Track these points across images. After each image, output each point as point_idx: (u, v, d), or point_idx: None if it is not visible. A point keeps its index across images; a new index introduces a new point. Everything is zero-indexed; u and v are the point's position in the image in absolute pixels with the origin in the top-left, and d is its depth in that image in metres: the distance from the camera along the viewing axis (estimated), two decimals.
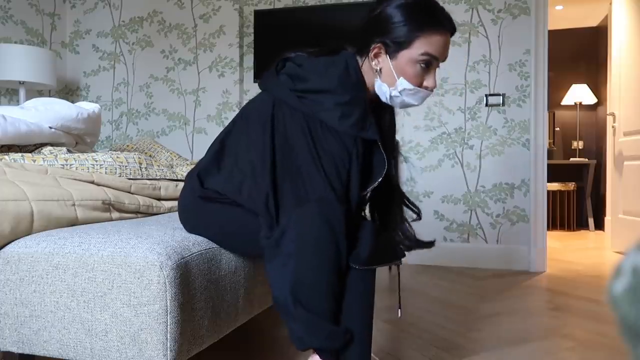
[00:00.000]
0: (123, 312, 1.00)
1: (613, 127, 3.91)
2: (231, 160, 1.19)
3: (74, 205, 1.28)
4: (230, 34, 3.47)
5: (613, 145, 3.99)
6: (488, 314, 2.08)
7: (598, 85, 5.43)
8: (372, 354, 1.13)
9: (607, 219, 4.58)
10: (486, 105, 3.10)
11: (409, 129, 3.22)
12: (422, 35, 1.10)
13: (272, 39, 3.37)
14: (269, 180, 1.08)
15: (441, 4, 1.16)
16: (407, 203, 1.35)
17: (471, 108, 3.13)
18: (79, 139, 1.97)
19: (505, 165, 3.08)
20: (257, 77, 3.42)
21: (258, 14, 3.40)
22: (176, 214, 1.52)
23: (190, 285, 1.04)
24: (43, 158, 1.51)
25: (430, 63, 1.13)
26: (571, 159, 5.35)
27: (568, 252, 3.84)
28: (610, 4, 4.15)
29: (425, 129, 3.20)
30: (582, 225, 5.45)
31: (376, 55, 1.15)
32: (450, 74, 3.15)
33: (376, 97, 1.21)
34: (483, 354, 1.62)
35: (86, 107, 1.95)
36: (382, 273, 2.87)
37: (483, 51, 3.11)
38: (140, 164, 1.68)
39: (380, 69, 1.15)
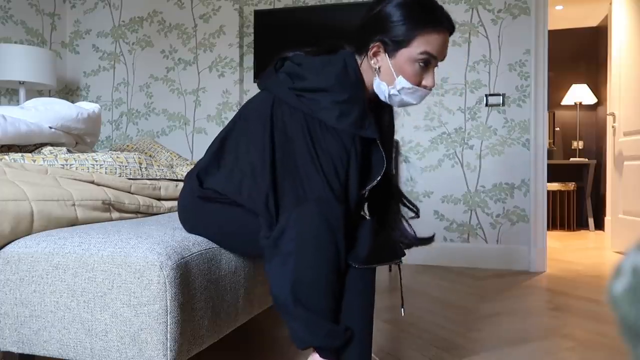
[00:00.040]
0: (123, 312, 1.00)
1: (613, 127, 3.91)
2: (231, 160, 1.19)
3: (74, 205, 1.28)
4: (230, 34, 3.47)
5: (613, 145, 3.99)
6: (488, 314, 2.08)
7: (598, 85, 5.43)
8: (372, 354, 1.13)
9: (607, 219, 4.58)
10: (486, 105, 3.10)
11: (409, 129, 3.22)
12: (420, 34, 1.10)
13: (272, 39, 3.37)
14: (268, 180, 1.08)
15: (440, 3, 1.16)
16: (405, 202, 1.35)
17: (471, 108, 3.13)
18: (79, 139, 1.97)
19: (505, 165, 3.08)
20: (257, 77, 3.42)
21: (258, 14, 3.40)
22: (176, 214, 1.52)
23: (190, 285, 1.04)
24: (43, 158, 1.51)
25: (428, 62, 1.13)
26: (571, 159, 5.35)
27: (568, 252, 3.84)
28: (610, 4, 4.15)
29: (425, 129, 3.20)
30: (582, 225, 5.45)
31: (375, 54, 1.15)
32: (450, 74, 3.15)
33: (375, 96, 1.21)
34: (483, 354, 1.62)
35: (86, 107, 1.95)
36: (382, 273, 2.87)
37: (483, 51, 3.11)
38: (140, 164, 1.68)
39: (379, 68, 1.15)
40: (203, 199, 1.19)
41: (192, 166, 1.89)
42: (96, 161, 1.56)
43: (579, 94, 5.38)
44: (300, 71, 1.15)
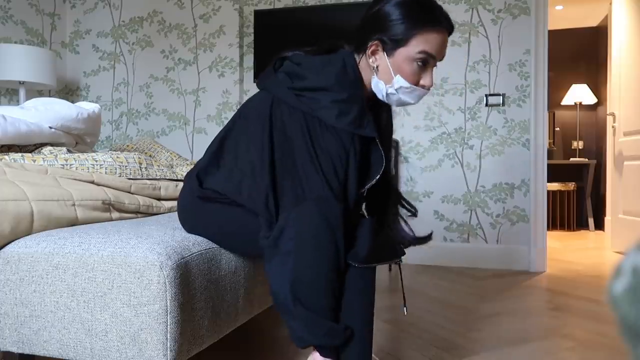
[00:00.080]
0: (123, 312, 1.00)
1: (613, 127, 3.91)
2: (230, 160, 1.19)
3: (74, 205, 1.28)
4: (230, 34, 3.47)
5: (613, 145, 3.99)
6: (488, 314, 2.08)
7: (598, 85, 5.43)
8: (372, 354, 1.13)
9: (607, 219, 4.58)
10: (486, 105, 3.10)
11: (409, 129, 3.22)
12: (419, 33, 1.10)
13: (272, 39, 3.37)
14: (268, 180, 1.08)
15: (440, 3, 1.16)
16: (403, 202, 1.35)
17: (471, 108, 3.13)
18: (79, 139, 1.97)
19: (505, 165, 3.08)
20: (257, 77, 3.42)
21: (258, 14, 3.40)
22: (176, 214, 1.52)
23: (190, 285, 1.04)
24: (43, 158, 1.51)
25: (427, 61, 1.13)
26: (571, 159, 5.35)
27: (568, 252, 3.84)
28: (610, 4, 4.15)
29: (425, 129, 3.20)
30: (582, 225, 5.45)
31: (373, 53, 1.15)
32: (450, 74, 3.15)
33: (373, 95, 1.21)
34: (483, 354, 1.62)
35: (86, 107, 1.95)
36: (382, 273, 2.87)
37: (483, 51, 3.11)
38: (140, 164, 1.68)
39: (377, 67, 1.15)
40: (203, 199, 1.19)
41: (192, 166, 1.89)
42: (96, 161, 1.56)
43: (579, 94, 5.38)
44: (300, 71, 1.15)
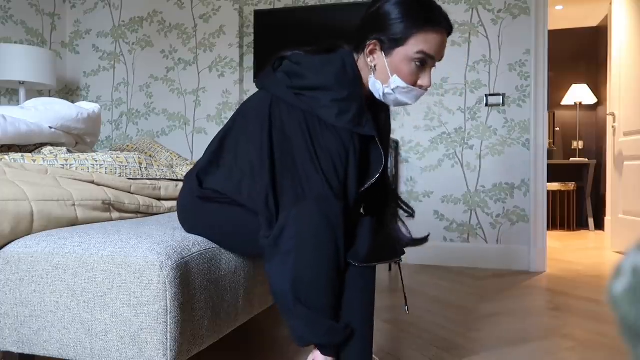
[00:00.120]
0: (123, 312, 1.00)
1: (613, 127, 3.91)
2: (230, 159, 1.19)
3: (74, 205, 1.28)
4: (230, 34, 3.47)
5: (613, 145, 3.99)
6: (488, 314, 2.08)
7: (598, 85, 5.43)
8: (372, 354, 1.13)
9: (607, 219, 4.58)
10: (486, 105, 3.10)
11: (409, 129, 3.22)
12: (417, 33, 1.09)
13: (272, 39, 3.37)
14: (268, 179, 1.08)
15: (440, 3, 1.16)
16: (400, 202, 1.36)
17: (471, 108, 3.13)
18: (79, 139, 1.97)
19: (505, 165, 3.08)
20: (257, 77, 3.42)
21: (258, 14, 3.40)
22: (176, 214, 1.52)
23: (190, 285, 1.04)
24: (43, 158, 1.51)
25: (425, 61, 1.12)
26: (571, 159, 5.35)
27: (568, 252, 3.84)
28: (610, 4, 4.15)
29: (425, 129, 3.20)
30: (582, 225, 5.45)
31: (371, 52, 1.15)
32: (450, 74, 3.15)
33: (372, 94, 1.22)
34: (483, 354, 1.62)
35: (86, 107, 1.95)
36: (382, 273, 2.87)
37: (483, 51, 3.11)
38: (140, 164, 1.68)
39: (374, 66, 1.15)
40: (202, 199, 1.19)
41: (192, 166, 1.89)
42: (96, 161, 1.56)
43: (579, 94, 5.38)
44: (299, 70, 1.15)
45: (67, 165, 1.51)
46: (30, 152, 1.69)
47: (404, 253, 1.24)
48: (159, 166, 1.78)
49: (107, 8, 3.72)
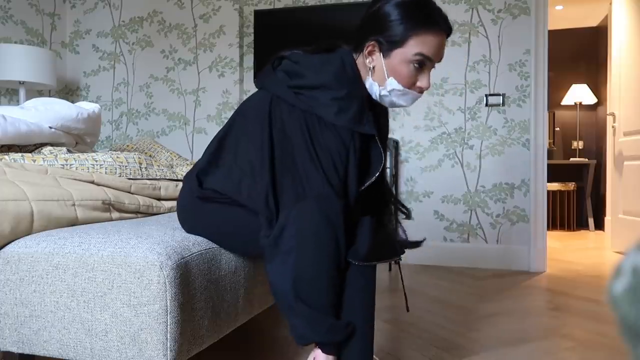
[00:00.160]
0: (123, 312, 1.00)
1: (613, 127, 3.91)
2: (230, 159, 1.19)
3: (74, 205, 1.28)
4: (230, 34, 3.47)
5: (613, 145, 3.99)
6: (488, 314, 2.08)
7: (598, 85, 5.43)
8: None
9: (607, 219, 4.58)
10: (486, 105, 3.10)
11: (409, 129, 3.22)
12: (416, 35, 1.09)
13: (272, 39, 3.37)
14: (268, 178, 1.08)
15: (440, 3, 1.16)
16: (396, 203, 1.36)
17: (471, 108, 3.13)
18: (79, 139, 1.97)
19: (505, 165, 3.08)
20: (256, 77, 3.42)
21: (258, 14, 3.40)
22: (176, 214, 1.52)
23: (190, 285, 1.04)
24: (43, 158, 1.51)
25: (423, 63, 1.12)
26: (571, 159, 5.35)
27: (568, 252, 3.84)
28: (610, 4, 4.15)
29: (425, 129, 3.20)
30: (582, 225, 5.45)
31: (370, 53, 1.15)
32: (450, 74, 3.15)
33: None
34: (483, 354, 1.62)
35: (86, 107, 1.95)
36: (382, 273, 2.87)
37: (483, 51, 3.11)
38: (140, 164, 1.68)
39: (373, 67, 1.15)
40: (202, 199, 1.19)
41: (192, 166, 1.89)
42: (96, 161, 1.56)
43: (579, 94, 5.38)
44: (299, 69, 1.16)
45: (67, 165, 1.51)
46: (30, 152, 1.69)
47: (403, 252, 1.24)
48: (159, 166, 1.78)
49: (107, 8, 3.72)
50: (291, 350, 1.64)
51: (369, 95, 1.21)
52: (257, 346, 1.70)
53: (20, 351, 1.09)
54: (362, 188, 1.20)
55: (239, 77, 3.46)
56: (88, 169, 1.53)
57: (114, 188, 1.47)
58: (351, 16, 3.12)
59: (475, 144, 3.12)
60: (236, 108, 3.46)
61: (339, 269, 1.07)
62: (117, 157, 1.62)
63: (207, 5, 3.51)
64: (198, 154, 3.50)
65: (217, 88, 3.49)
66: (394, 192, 3.02)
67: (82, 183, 1.39)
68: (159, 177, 1.72)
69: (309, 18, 3.32)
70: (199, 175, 1.22)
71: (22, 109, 1.77)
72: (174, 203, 1.67)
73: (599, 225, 5.28)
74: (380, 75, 1.15)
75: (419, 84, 1.15)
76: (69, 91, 3.79)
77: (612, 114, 3.90)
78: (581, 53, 5.61)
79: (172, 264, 1.00)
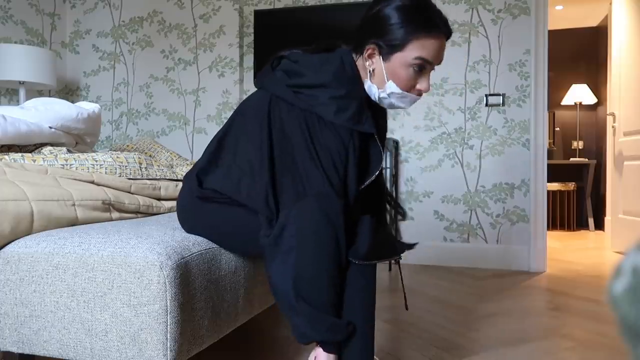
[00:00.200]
0: (123, 312, 1.00)
1: (613, 127, 3.91)
2: (229, 158, 1.19)
3: (74, 205, 1.28)
4: (230, 34, 3.47)
5: (613, 145, 3.99)
6: (488, 314, 2.08)
7: (598, 85, 5.43)
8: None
9: (607, 219, 4.58)
10: (486, 105, 3.10)
11: (409, 129, 3.22)
12: (416, 39, 1.09)
13: (272, 39, 3.37)
14: (267, 178, 1.08)
15: (440, 3, 1.16)
16: (393, 203, 1.36)
17: (471, 108, 3.13)
18: (79, 139, 1.97)
19: (505, 165, 3.08)
20: (256, 77, 3.42)
21: (258, 14, 3.40)
22: (176, 213, 1.52)
23: (190, 285, 1.04)
24: (43, 158, 1.51)
25: (423, 67, 1.12)
26: (571, 159, 5.35)
27: (568, 252, 3.84)
28: (610, 4, 4.15)
29: (425, 129, 3.20)
30: (582, 225, 5.45)
31: (370, 56, 1.15)
32: (450, 74, 3.15)
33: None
34: (483, 353, 1.62)
35: (86, 107, 1.95)
36: (382, 273, 2.87)
37: (483, 51, 3.11)
38: (140, 164, 1.68)
39: (372, 70, 1.15)
40: (202, 199, 1.19)
41: (192, 166, 1.89)
42: (96, 161, 1.56)
43: (579, 94, 5.38)
44: (298, 68, 1.16)
45: (67, 165, 1.51)
46: (30, 152, 1.69)
47: (403, 251, 1.24)
48: (159, 166, 1.78)
49: (107, 8, 3.72)
50: (291, 350, 1.64)
51: (367, 95, 1.21)
52: (257, 346, 1.70)
53: (20, 351, 1.09)
54: (362, 187, 1.20)
55: (239, 77, 3.46)
56: (88, 169, 1.53)
57: (114, 188, 1.47)
58: (351, 16, 3.12)
59: (475, 144, 3.12)
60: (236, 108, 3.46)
61: (339, 268, 1.07)
62: (117, 157, 1.62)
63: (207, 5, 3.51)
64: (198, 154, 3.50)
65: (217, 88, 3.49)
66: (392, 192, 3.03)
67: (82, 183, 1.39)
68: (159, 177, 1.72)
69: (309, 18, 3.32)
70: (198, 175, 1.22)
71: (22, 109, 1.77)
72: (174, 203, 1.67)
73: (599, 225, 5.28)
74: (380, 78, 1.15)
75: (418, 86, 1.15)
76: (69, 91, 3.79)
77: (612, 114, 3.90)
78: (581, 53, 5.61)
79: (172, 264, 1.00)
